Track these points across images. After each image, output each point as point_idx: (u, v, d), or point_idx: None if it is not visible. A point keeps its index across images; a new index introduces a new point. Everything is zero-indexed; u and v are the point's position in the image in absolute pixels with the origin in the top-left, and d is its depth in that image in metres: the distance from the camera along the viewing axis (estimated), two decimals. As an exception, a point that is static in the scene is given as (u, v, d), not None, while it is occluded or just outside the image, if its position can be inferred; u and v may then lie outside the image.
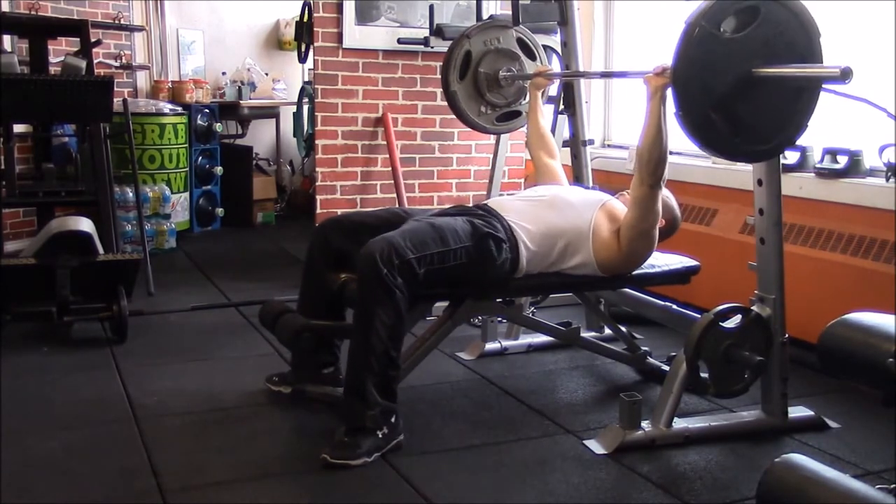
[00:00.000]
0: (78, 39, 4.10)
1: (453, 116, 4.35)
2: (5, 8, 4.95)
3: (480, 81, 3.23)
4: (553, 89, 3.57)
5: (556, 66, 3.81)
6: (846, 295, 3.00)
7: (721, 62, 2.09)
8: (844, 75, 1.97)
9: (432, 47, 4.14)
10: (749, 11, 2.10)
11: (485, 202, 2.77)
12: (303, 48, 5.76)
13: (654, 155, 2.43)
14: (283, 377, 2.82)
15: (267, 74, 6.58)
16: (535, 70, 3.21)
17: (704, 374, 2.45)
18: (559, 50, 3.55)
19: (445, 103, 4.35)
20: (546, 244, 2.59)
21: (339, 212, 4.18)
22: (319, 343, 2.72)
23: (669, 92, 2.19)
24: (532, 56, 3.30)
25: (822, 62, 2.18)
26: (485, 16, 3.86)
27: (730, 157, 2.32)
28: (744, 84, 2.11)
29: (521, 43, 3.29)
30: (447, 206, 3.05)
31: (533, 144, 3.13)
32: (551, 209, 2.66)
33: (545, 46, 3.90)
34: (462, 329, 3.13)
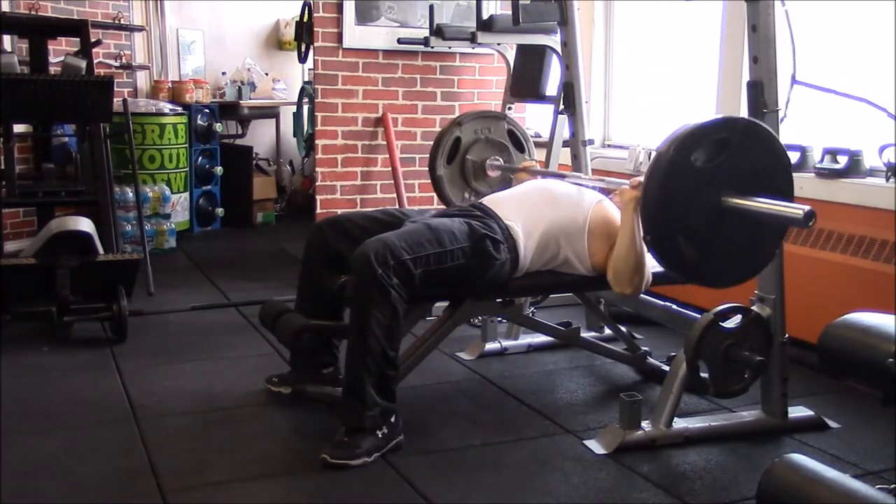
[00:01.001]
0: (78, 39, 4.10)
1: (454, 116, 4.38)
2: (5, 8, 4.95)
3: (467, 168, 3.34)
4: (554, 88, 3.58)
5: (556, 66, 3.80)
6: (846, 295, 3.00)
7: (691, 191, 2.13)
8: (808, 218, 1.99)
9: (432, 47, 4.14)
10: (720, 142, 2.14)
11: (480, 200, 2.77)
12: (303, 48, 5.76)
13: (629, 265, 2.50)
14: (283, 378, 2.82)
15: (267, 74, 6.59)
16: (522, 164, 3.28)
17: (704, 374, 2.45)
18: (559, 50, 3.55)
19: (445, 103, 4.38)
20: (543, 241, 2.60)
21: (339, 212, 4.18)
22: (318, 343, 2.73)
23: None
24: (521, 148, 3.39)
25: (791, 192, 2.21)
26: (485, 16, 3.87)
27: (697, 283, 2.37)
28: (713, 212, 2.15)
29: (512, 135, 3.37)
30: (445, 207, 3.06)
31: None
32: (547, 206, 2.66)
33: (545, 46, 3.91)
34: (462, 329, 3.13)
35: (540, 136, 4.77)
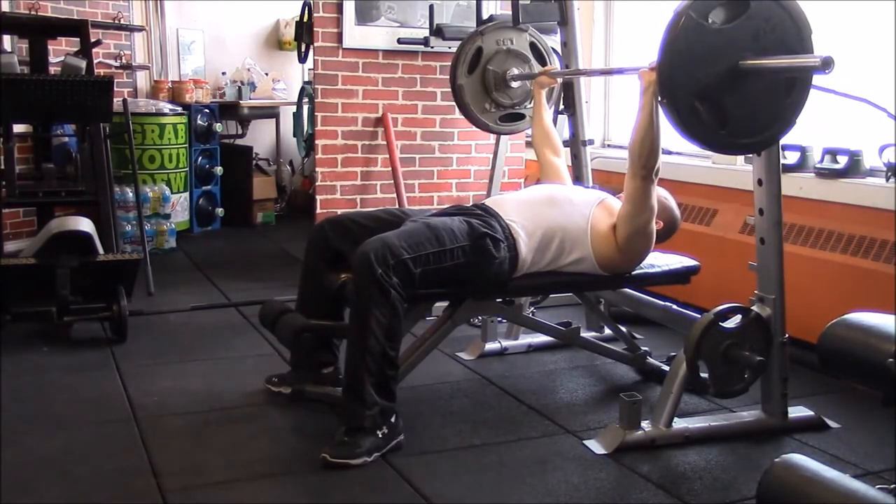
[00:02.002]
0: (78, 39, 4.10)
1: (453, 116, 4.37)
2: (5, 8, 4.95)
3: (488, 79, 3.26)
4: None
5: (557, 66, 3.80)
6: (846, 295, 3.00)
7: (708, 53, 2.08)
8: (825, 65, 1.97)
9: (432, 47, 4.14)
10: (738, 4, 2.10)
11: (482, 201, 2.77)
12: (303, 48, 5.76)
13: (645, 147, 2.45)
14: (283, 378, 2.82)
15: (267, 74, 6.58)
16: (542, 70, 3.23)
17: (704, 374, 2.45)
18: (559, 50, 3.55)
19: (445, 103, 4.37)
20: (544, 241, 2.60)
21: (339, 212, 4.18)
22: (318, 343, 2.73)
23: None
24: (543, 61, 3.33)
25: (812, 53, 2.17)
26: (485, 16, 3.87)
27: (714, 148, 2.31)
28: (731, 76, 2.10)
29: (534, 47, 3.32)
30: (446, 205, 3.06)
31: (538, 142, 3.14)
32: (549, 206, 2.66)
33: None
34: (462, 329, 3.13)
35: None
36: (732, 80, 2.11)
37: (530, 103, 3.26)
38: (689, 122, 2.13)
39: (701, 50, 2.08)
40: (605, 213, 2.66)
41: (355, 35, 4.22)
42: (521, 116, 3.34)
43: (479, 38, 3.24)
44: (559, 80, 3.29)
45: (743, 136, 2.20)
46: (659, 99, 2.15)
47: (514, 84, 3.28)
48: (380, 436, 2.32)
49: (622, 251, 2.61)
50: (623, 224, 2.57)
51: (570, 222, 2.62)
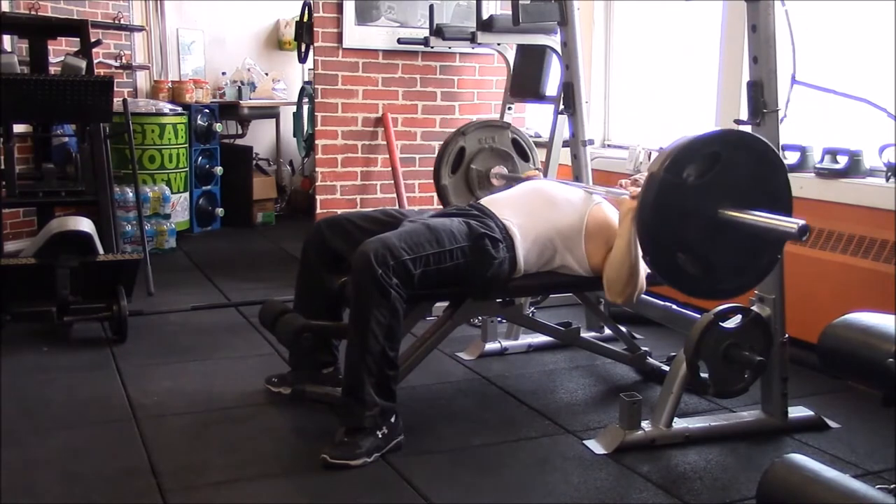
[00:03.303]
0: (78, 39, 4.10)
1: (453, 116, 4.39)
2: (5, 8, 4.95)
3: (472, 178, 3.34)
4: (554, 88, 3.58)
5: (556, 66, 3.80)
6: (846, 295, 3.00)
7: (686, 207, 2.14)
8: (801, 233, 2.01)
9: (432, 47, 4.14)
10: (711, 156, 2.15)
11: (478, 201, 2.77)
12: (303, 48, 5.76)
13: (622, 275, 2.50)
14: (283, 378, 2.82)
15: (267, 74, 6.58)
16: (526, 173, 3.27)
17: (704, 374, 2.45)
18: (559, 50, 3.55)
19: (445, 103, 4.37)
20: (540, 243, 2.60)
21: (339, 212, 4.18)
22: (318, 343, 2.72)
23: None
24: (525, 157, 3.38)
25: (789, 198, 2.22)
26: (485, 16, 3.87)
27: (699, 296, 2.39)
28: (711, 225, 2.15)
29: (516, 143, 3.37)
30: (444, 206, 3.06)
31: None
32: (544, 207, 2.66)
33: (545, 46, 3.91)
34: (462, 329, 3.14)
35: (540, 136, 4.76)
36: (712, 230, 2.16)
37: None
38: (673, 275, 2.21)
39: (679, 206, 2.13)
40: (598, 227, 2.63)
41: (355, 35, 4.22)
42: None
43: (462, 138, 3.33)
44: None
45: (726, 281, 2.26)
46: (642, 255, 2.22)
47: (497, 182, 3.33)
48: (380, 436, 2.32)
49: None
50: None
51: (567, 223, 2.63)
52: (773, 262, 2.30)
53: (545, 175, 3.74)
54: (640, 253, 2.34)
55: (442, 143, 3.37)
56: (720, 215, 2.14)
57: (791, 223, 2.04)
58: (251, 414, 2.68)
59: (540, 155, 3.68)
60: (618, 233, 2.52)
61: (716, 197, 2.15)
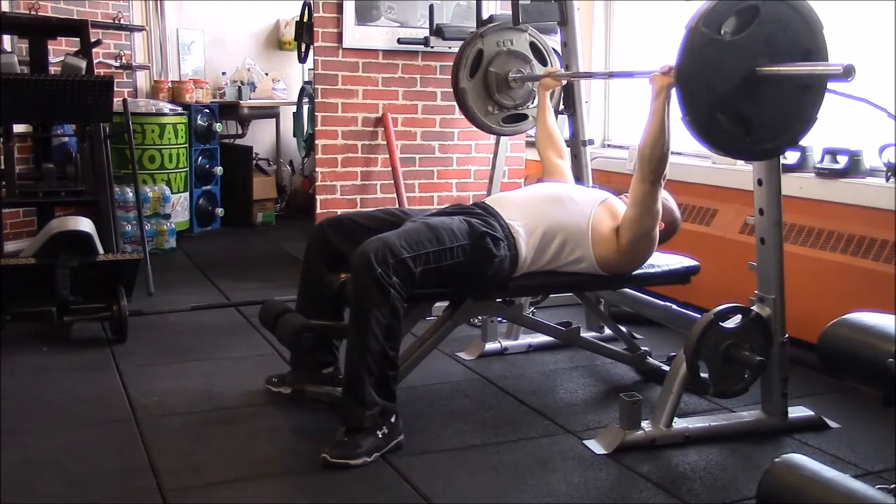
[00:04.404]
0: (78, 39, 4.10)
1: (453, 116, 4.37)
2: (5, 8, 4.95)
3: (490, 81, 3.26)
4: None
5: (559, 66, 3.80)
6: (846, 295, 3.00)
7: (724, 64, 2.08)
8: (847, 73, 1.97)
9: (432, 47, 4.14)
10: (748, 11, 2.10)
11: (482, 200, 2.77)
12: (303, 48, 5.76)
13: (656, 152, 2.44)
14: (283, 378, 2.82)
15: (267, 74, 6.58)
16: (545, 71, 3.23)
17: (704, 374, 2.45)
18: (559, 50, 3.55)
19: (445, 103, 4.37)
20: (545, 240, 2.60)
21: (339, 212, 4.18)
22: (318, 343, 2.72)
23: (674, 91, 2.19)
24: (544, 61, 3.33)
25: (827, 55, 2.17)
26: (485, 16, 3.87)
27: (739, 156, 2.31)
28: (749, 83, 2.10)
29: (534, 47, 3.32)
30: (446, 205, 3.05)
31: (541, 144, 3.14)
32: (550, 204, 2.66)
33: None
34: (462, 329, 3.13)
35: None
36: (751, 88, 2.11)
37: (533, 104, 3.27)
38: (712, 135, 2.14)
39: (717, 63, 2.08)
40: (607, 213, 2.66)
41: (355, 35, 4.22)
42: (525, 117, 3.35)
43: (480, 41, 3.25)
44: (563, 81, 3.29)
45: (766, 140, 2.20)
46: (681, 116, 2.15)
47: (516, 85, 3.28)
48: (380, 436, 2.32)
49: (624, 253, 2.61)
50: (627, 227, 2.57)
51: (572, 221, 2.62)
52: (814, 115, 2.22)
53: (544, 177, 3.73)
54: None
55: (459, 45, 3.31)
56: (759, 73, 2.09)
57: (835, 65, 1.99)
58: (251, 414, 2.68)
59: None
60: (652, 111, 2.45)
61: (754, 53, 2.09)
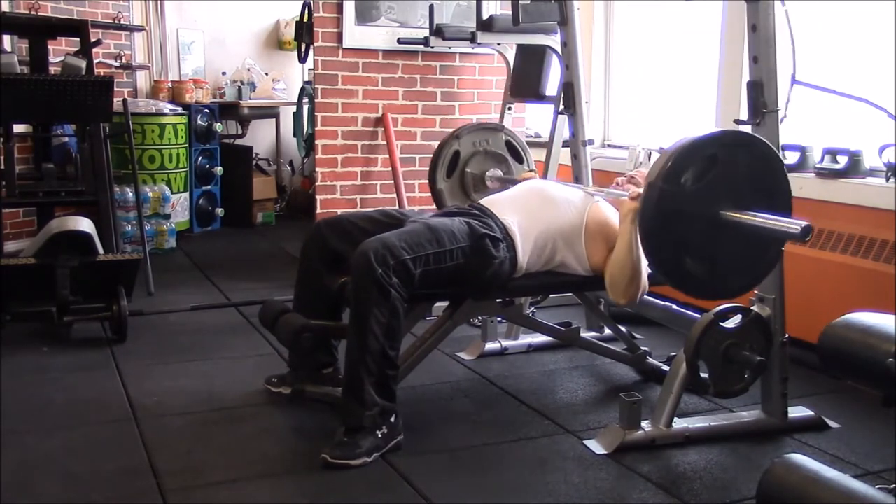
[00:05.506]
0: (78, 39, 4.10)
1: (454, 116, 4.39)
2: (5, 8, 4.95)
3: (467, 181, 3.33)
4: (554, 88, 3.58)
5: (556, 66, 3.80)
6: (846, 295, 3.00)
7: (687, 212, 2.14)
8: (805, 233, 2.00)
9: (432, 47, 4.14)
10: (708, 159, 2.14)
11: (479, 201, 2.77)
12: (303, 48, 5.76)
13: (625, 275, 2.49)
14: (283, 378, 2.82)
15: (267, 74, 6.58)
16: (521, 175, 3.27)
17: (704, 374, 2.45)
18: (559, 50, 3.56)
19: (445, 103, 4.37)
20: (541, 242, 2.60)
21: (339, 212, 4.18)
22: (318, 344, 2.72)
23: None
24: (520, 159, 3.38)
25: (789, 194, 2.22)
26: (485, 16, 3.87)
27: (705, 297, 2.38)
28: (714, 226, 2.15)
29: (510, 145, 3.36)
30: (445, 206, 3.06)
31: None
32: (543, 207, 2.66)
33: (545, 46, 3.91)
34: (462, 329, 3.13)
35: (540, 136, 4.77)
36: (715, 231, 2.16)
37: None
38: (680, 279, 2.21)
39: (680, 212, 2.14)
40: (597, 226, 2.64)
41: (355, 35, 4.23)
42: None
43: (456, 142, 3.32)
44: None
45: (731, 280, 2.26)
46: (649, 263, 2.22)
47: (493, 185, 3.32)
48: (379, 436, 2.32)
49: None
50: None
51: (566, 222, 2.63)
52: (776, 258, 2.30)
53: (545, 175, 3.74)
54: (642, 253, 2.34)
55: (436, 146, 3.36)
56: (722, 216, 2.14)
57: (794, 224, 2.04)
58: (251, 414, 2.68)
59: (539, 155, 3.69)
60: (619, 233, 2.52)
61: (716, 198, 2.15)
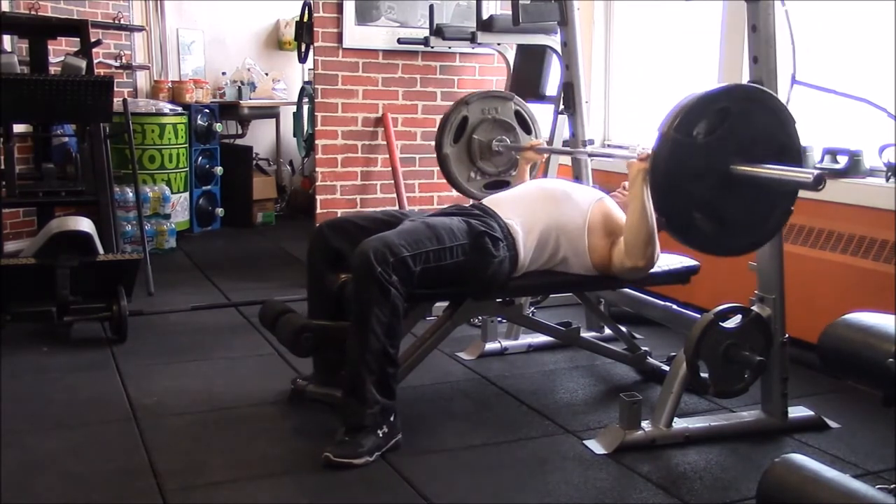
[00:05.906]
0: (78, 39, 4.10)
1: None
2: (5, 8, 4.95)
3: (474, 148, 3.30)
4: (554, 88, 3.57)
5: (556, 66, 3.80)
6: (846, 295, 3.00)
7: (698, 165, 2.11)
8: (817, 182, 1.99)
9: (432, 47, 4.14)
10: (720, 112, 2.12)
11: (480, 201, 2.77)
12: (303, 48, 5.76)
13: (641, 236, 2.48)
14: (308, 379, 2.77)
15: (267, 74, 6.58)
16: (529, 143, 3.26)
17: (704, 374, 2.45)
18: (559, 50, 3.56)
19: (445, 103, 4.36)
20: (542, 239, 2.60)
21: (339, 212, 4.18)
22: (328, 345, 2.69)
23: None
24: (528, 129, 3.36)
25: (799, 149, 2.20)
26: (485, 16, 3.87)
27: (716, 253, 2.35)
28: (723, 181, 2.13)
29: (519, 115, 3.36)
30: (445, 205, 3.06)
31: None
32: (547, 203, 2.66)
33: (545, 46, 3.91)
34: (462, 329, 3.14)
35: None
36: (725, 187, 2.14)
37: (514, 171, 3.29)
38: (689, 235, 2.18)
39: (691, 165, 2.11)
40: (602, 220, 2.64)
41: (355, 35, 4.23)
42: (506, 183, 3.35)
43: (465, 108, 3.29)
44: (544, 156, 3.34)
45: (742, 236, 2.24)
46: (656, 215, 2.20)
47: (499, 153, 3.32)
48: (380, 435, 2.32)
49: (618, 273, 2.63)
50: (620, 266, 2.59)
51: (569, 220, 2.63)
52: (785, 217, 2.26)
53: (545, 175, 3.74)
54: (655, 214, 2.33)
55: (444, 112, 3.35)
56: (732, 171, 2.11)
57: (806, 173, 2.02)
58: (251, 414, 2.68)
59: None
60: (631, 196, 2.50)
61: (727, 153, 2.12)
